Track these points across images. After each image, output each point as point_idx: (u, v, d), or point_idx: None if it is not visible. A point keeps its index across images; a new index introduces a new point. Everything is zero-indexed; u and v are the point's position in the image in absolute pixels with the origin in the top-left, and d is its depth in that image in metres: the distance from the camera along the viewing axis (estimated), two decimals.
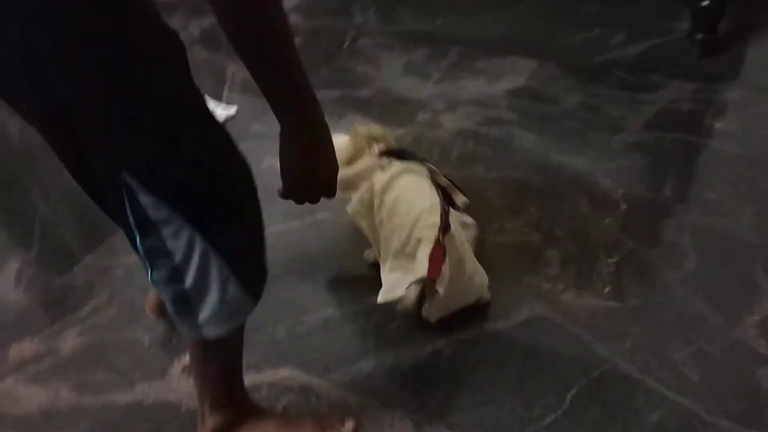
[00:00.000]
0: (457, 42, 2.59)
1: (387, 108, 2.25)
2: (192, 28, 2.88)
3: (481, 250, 1.52)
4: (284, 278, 1.58)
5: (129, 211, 0.91)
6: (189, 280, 0.96)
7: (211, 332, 1.01)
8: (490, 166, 1.93)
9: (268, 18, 0.80)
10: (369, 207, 1.43)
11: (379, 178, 1.42)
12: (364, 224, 1.46)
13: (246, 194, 0.99)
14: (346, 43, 2.68)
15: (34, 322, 1.55)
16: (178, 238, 0.93)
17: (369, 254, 1.57)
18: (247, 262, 1.02)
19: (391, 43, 2.64)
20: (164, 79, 0.87)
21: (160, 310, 1.43)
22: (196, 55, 2.64)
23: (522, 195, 1.81)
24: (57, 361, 1.46)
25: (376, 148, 1.48)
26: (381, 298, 1.32)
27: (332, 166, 0.99)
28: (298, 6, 3.01)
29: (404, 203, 1.38)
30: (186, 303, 0.99)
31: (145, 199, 0.89)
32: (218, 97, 2.34)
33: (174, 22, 2.57)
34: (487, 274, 1.44)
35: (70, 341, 1.50)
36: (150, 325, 1.50)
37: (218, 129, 0.95)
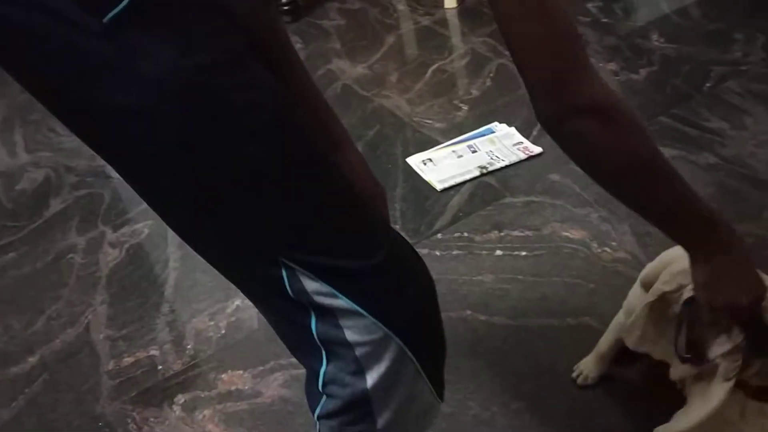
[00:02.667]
0: None
1: (730, 187, 1.71)
2: None
3: None
4: None
5: (292, 296, 0.76)
6: (373, 377, 0.78)
7: None
8: None
9: (644, 168, 0.79)
10: None
11: None
12: None
13: (428, 297, 0.87)
14: (710, 81, 2.13)
15: (256, 352, 1.51)
16: (358, 329, 0.77)
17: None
18: (435, 356, 0.87)
19: None
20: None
21: None
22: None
23: None
24: (254, 406, 1.40)
25: None
26: None
27: (744, 289, 0.92)
28: (664, 22, 2.51)
29: None
30: (364, 406, 0.80)
31: (312, 285, 0.75)
32: (527, 134, 2.04)
33: None
34: None
35: (273, 388, 1.43)
36: None
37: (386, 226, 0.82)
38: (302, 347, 0.83)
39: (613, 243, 1.61)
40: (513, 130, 2.06)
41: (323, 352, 0.79)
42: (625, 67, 2.27)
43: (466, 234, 1.73)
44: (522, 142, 2.00)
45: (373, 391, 0.79)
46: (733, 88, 2.08)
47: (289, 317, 0.80)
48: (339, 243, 0.76)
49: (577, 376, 1.32)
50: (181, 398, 1.45)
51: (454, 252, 1.68)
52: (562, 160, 2.08)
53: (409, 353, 0.79)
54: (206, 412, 1.41)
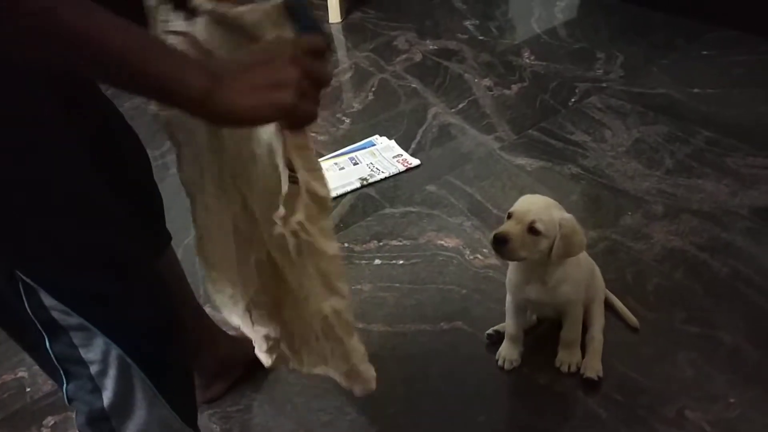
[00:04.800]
0: (710, 124, 2.07)
1: (590, 195, 1.85)
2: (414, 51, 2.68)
3: None
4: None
5: (29, 311, 0.76)
6: (108, 396, 0.82)
7: None
8: (695, 317, 1.47)
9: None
10: None
11: None
12: None
13: (163, 321, 0.87)
14: (575, 97, 2.28)
15: None
16: (92, 347, 0.79)
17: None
18: (175, 383, 0.89)
19: (628, 109, 2.19)
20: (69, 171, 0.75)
21: None
22: (407, 85, 2.45)
23: (729, 384, 1.35)
24: None
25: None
26: None
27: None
28: (535, 41, 2.66)
29: None
30: (104, 424, 0.83)
31: (49, 301, 0.75)
32: (406, 147, 2.11)
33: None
34: None
35: None
36: None
37: (136, 236, 0.84)
38: (47, 368, 0.84)
39: (485, 250, 1.69)
40: (393, 143, 2.12)
41: (61, 372, 0.81)
42: (499, 83, 2.40)
43: (346, 244, 1.77)
44: (401, 155, 2.06)
45: (110, 410, 0.82)
46: (595, 104, 2.23)
47: (34, 340, 0.80)
48: (74, 262, 0.76)
49: (503, 363, 1.41)
50: (50, 420, 1.40)
51: None
52: (438, 172, 2.17)
53: (143, 375, 0.82)
54: None
